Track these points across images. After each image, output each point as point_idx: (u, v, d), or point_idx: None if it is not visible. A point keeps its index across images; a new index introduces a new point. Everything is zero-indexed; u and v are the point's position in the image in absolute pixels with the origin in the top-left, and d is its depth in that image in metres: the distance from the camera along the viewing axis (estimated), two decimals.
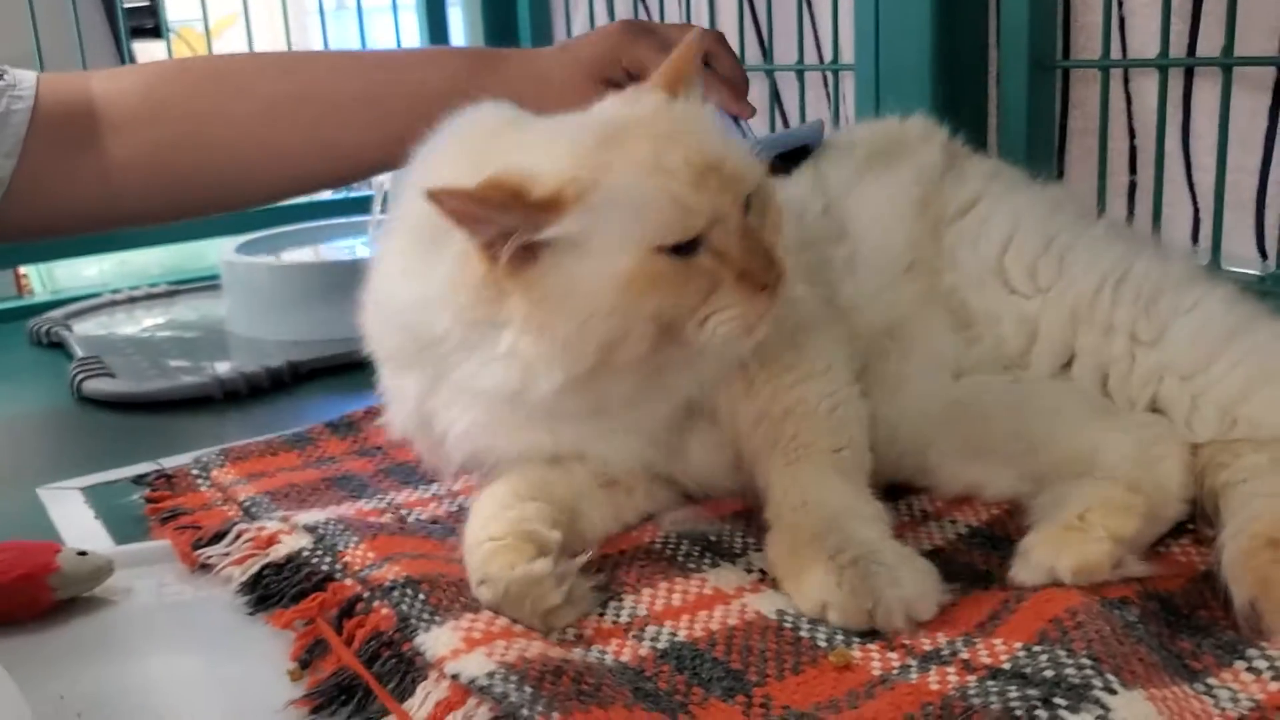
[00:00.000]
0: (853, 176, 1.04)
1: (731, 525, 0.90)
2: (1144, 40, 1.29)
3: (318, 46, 2.41)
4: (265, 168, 1.21)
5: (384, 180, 1.98)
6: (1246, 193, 1.25)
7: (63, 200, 1.17)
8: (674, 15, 1.90)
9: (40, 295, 2.18)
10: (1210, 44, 1.23)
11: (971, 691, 0.64)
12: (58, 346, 1.74)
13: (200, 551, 0.93)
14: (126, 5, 2.23)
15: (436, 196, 0.73)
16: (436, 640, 0.71)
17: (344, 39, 2.73)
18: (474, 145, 0.85)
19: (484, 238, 0.76)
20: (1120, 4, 1.30)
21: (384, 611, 0.76)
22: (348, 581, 0.82)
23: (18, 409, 1.50)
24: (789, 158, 1.07)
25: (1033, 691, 0.62)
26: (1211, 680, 0.66)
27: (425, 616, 0.74)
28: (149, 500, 1.06)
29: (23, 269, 2.18)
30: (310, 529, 0.90)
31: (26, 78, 1.16)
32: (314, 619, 0.80)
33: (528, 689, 0.64)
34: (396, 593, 0.77)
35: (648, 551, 0.87)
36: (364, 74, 1.22)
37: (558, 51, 1.21)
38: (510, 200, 0.74)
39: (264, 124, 1.19)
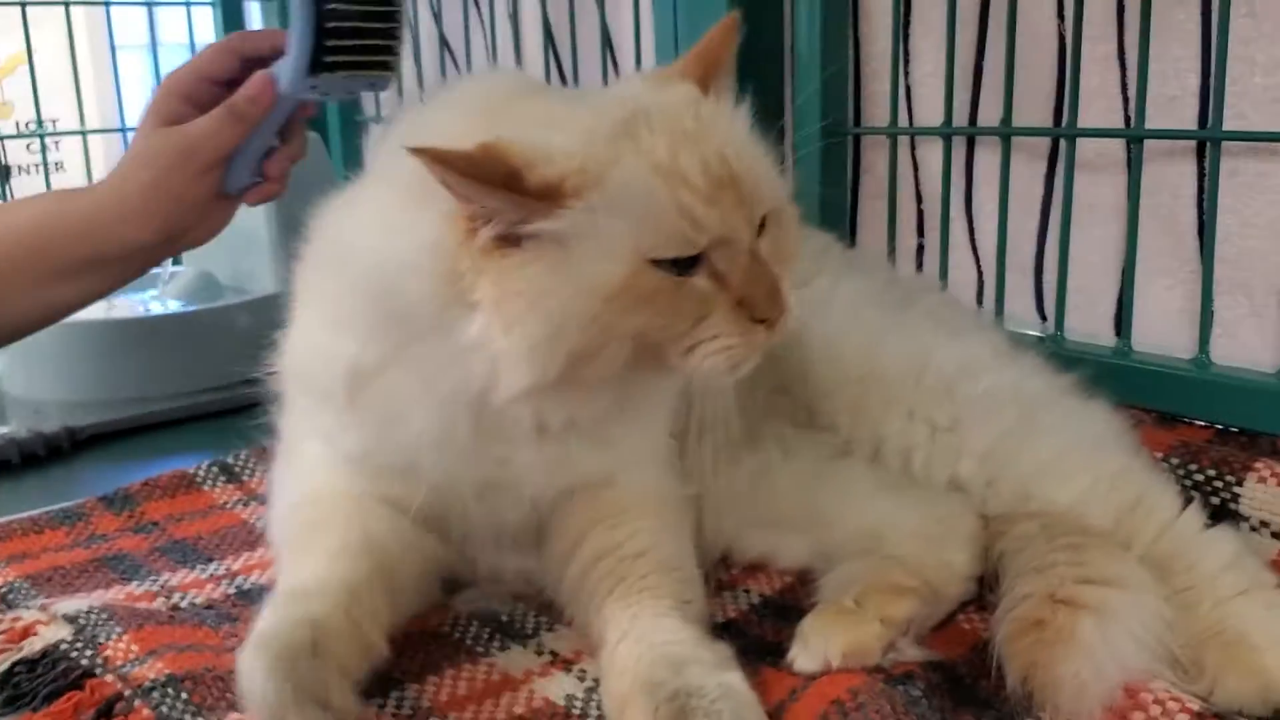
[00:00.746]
0: None
1: (525, 604, 0.88)
2: (930, 109, 1.34)
3: (109, 81, 2.31)
4: None
5: None
6: (1026, 256, 1.30)
7: None
8: (479, 51, 1.89)
9: None
10: (990, 114, 1.29)
11: None
12: None
13: None
14: None
15: (425, 155, 0.66)
16: None
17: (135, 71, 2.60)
18: (488, 105, 0.77)
19: (469, 209, 0.70)
20: (907, 75, 1.35)
21: (145, 713, 0.71)
22: (108, 678, 0.76)
23: None
24: None
25: None
26: None
27: (187, 718, 0.70)
28: None
29: None
30: (71, 619, 0.84)
31: None
32: None
33: None
34: (157, 693, 0.72)
35: (435, 635, 0.84)
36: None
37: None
38: (506, 179, 0.67)
39: None
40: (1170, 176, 1.16)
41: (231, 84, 1.09)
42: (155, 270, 1.93)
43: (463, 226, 0.70)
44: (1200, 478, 0.96)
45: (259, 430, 0.97)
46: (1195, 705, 0.71)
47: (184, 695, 0.72)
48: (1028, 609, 0.76)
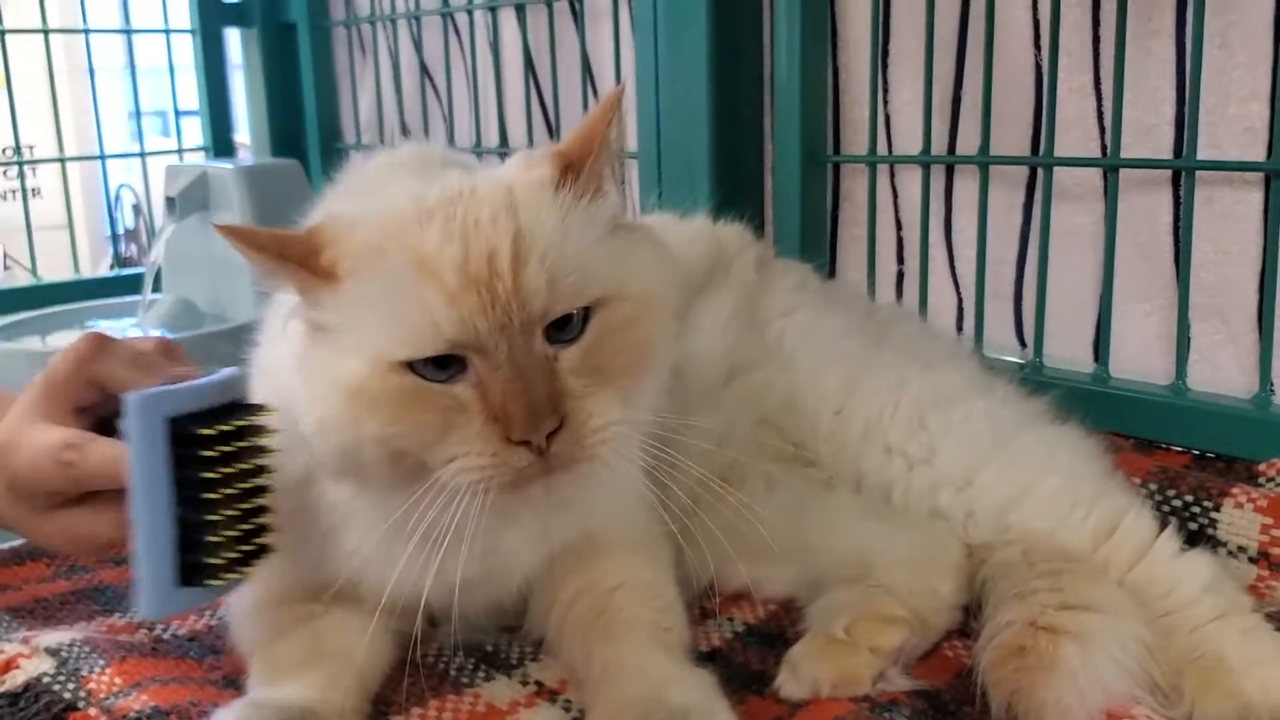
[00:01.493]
0: (690, 306, 1.02)
1: (510, 634, 0.88)
2: (909, 138, 1.35)
3: (87, 107, 2.30)
4: None
5: (156, 257, 1.90)
6: (1005, 284, 1.32)
7: None
8: (461, 98, 1.90)
9: None
10: (969, 142, 1.30)
11: None
12: None
13: None
14: None
15: (229, 234, 0.66)
16: None
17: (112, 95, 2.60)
18: (368, 183, 0.79)
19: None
20: (885, 103, 1.36)
21: None
22: (91, 711, 0.76)
23: None
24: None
25: None
26: None
27: None
28: None
29: None
30: (53, 652, 0.84)
31: None
32: None
33: None
34: None
35: (420, 666, 0.83)
36: None
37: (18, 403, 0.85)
38: (303, 256, 0.67)
39: None
40: (1146, 205, 1.17)
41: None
42: (135, 297, 1.93)
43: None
44: (1178, 503, 0.97)
45: None
46: None
47: None
48: (1010, 636, 0.76)
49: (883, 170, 1.39)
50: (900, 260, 1.41)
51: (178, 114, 2.32)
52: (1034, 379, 1.15)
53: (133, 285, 2.02)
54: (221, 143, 2.25)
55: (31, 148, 2.32)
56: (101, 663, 0.81)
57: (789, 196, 1.41)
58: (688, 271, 1.04)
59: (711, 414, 0.97)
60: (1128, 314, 1.21)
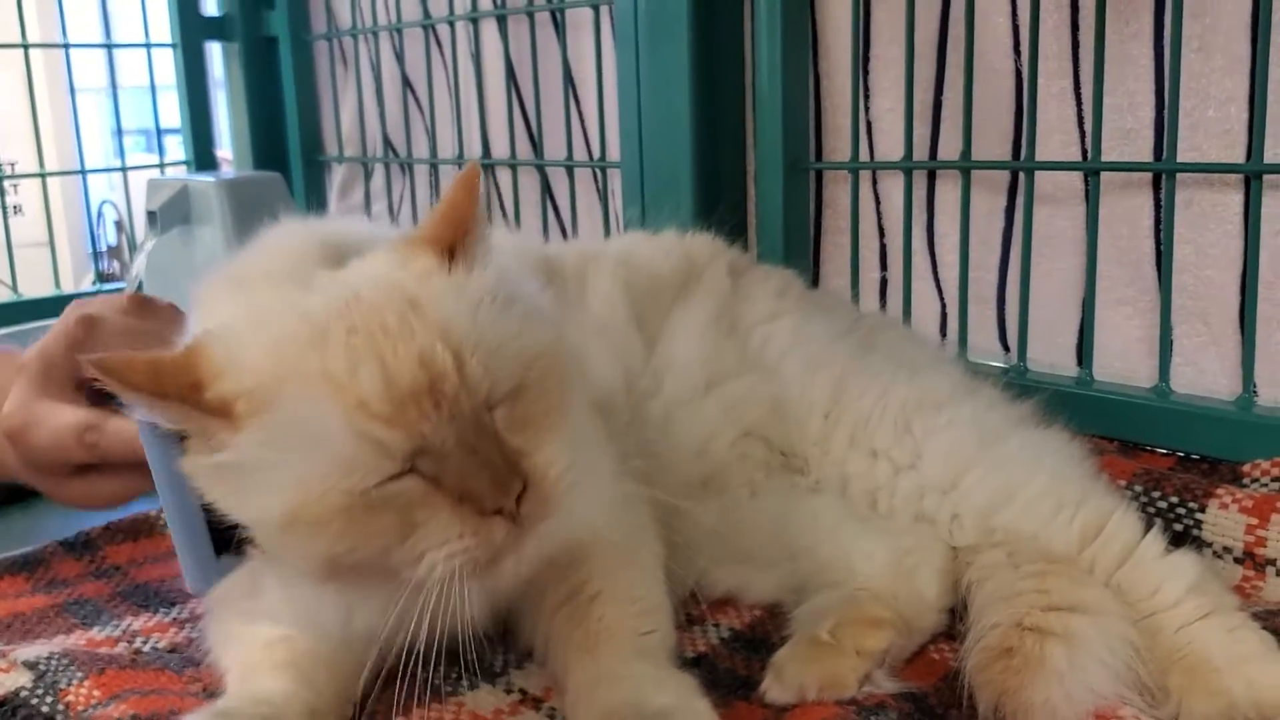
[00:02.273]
0: (664, 321, 1.03)
1: (494, 643, 0.87)
2: (890, 144, 1.36)
3: (68, 125, 2.29)
4: None
5: (138, 271, 1.89)
6: (988, 289, 1.32)
7: None
8: (443, 110, 1.89)
9: None
10: (950, 148, 1.30)
11: None
12: None
13: None
14: None
15: (97, 368, 0.62)
16: None
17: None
18: (250, 279, 0.75)
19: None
20: (867, 110, 1.36)
21: None
22: None
23: None
24: None
25: None
26: None
27: None
28: None
29: None
30: (31, 665, 0.83)
31: None
32: None
33: None
34: None
35: (401, 676, 0.82)
36: None
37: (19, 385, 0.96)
38: (186, 391, 0.63)
39: None
40: (1127, 208, 1.17)
41: None
42: None
43: None
44: (1163, 505, 0.97)
45: None
46: None
47: None
48: (996, 638, 0.76)
49: (865, 177, 1.39)
50: (883, 266, 1.41)
51: (159, 131, 2.31)
52: (1018, 383, 1.14)
53: None
54: (204, 157, 2.24)
55: (14, 164, 2.31)
56: (80, 675, 0.80)
57: (772, 204, 1.41)
58: (660, 287, 1.04)
59: (690, 423, 0.97)
60: (1110, 317, 1.21)
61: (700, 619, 0.92)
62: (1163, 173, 1.13)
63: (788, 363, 1.00)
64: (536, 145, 1.74)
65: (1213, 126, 1.10)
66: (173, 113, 2.26)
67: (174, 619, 0.96)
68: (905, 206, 1.33)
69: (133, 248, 2.74)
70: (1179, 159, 1.11)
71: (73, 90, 2.19)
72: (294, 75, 2.13)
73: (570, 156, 1.66)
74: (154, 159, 2.33)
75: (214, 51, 2.25)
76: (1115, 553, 0.84)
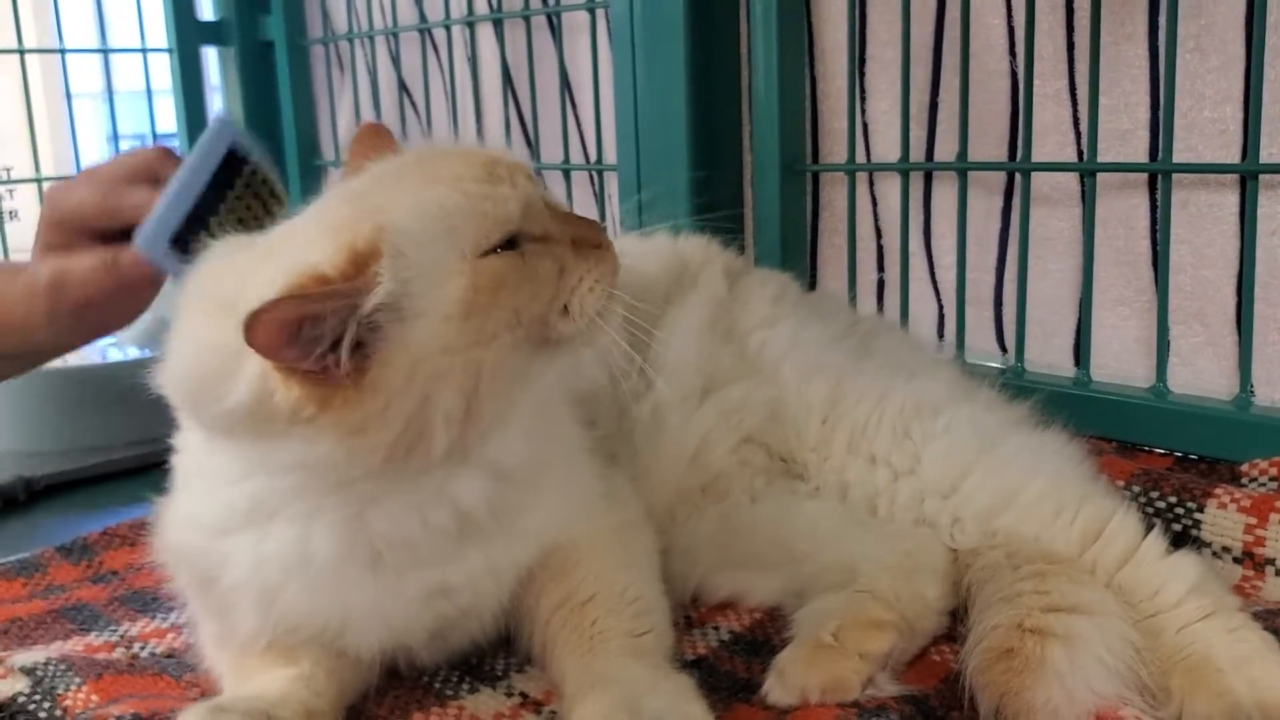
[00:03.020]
0: (654, 324, 1.01)
1: (494, 646, 0.87)
2: (887, 146, 1.36)
3: (65, 131, 2.29)
4: None
5: None
6: (985, 290, 1.32)
7: None
8: (440, 112, 1.89)
9: None
10: (947, 150, 1.31)
11: None
12: None
13: None
14: None
15: (250, 328, 0.62)
16: None
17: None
18: (217, 293, 0.73)
19: (314, 356, 0.65)
20: (863, 112, 1.37)
21: None
22: None
23: None
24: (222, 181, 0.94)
25: None
26: None
27: None
28: None
29: None
30: (28, 671, 0.83)
31: None
32: None
33: None
34: None
35: (402, 679, 0.83)
36: None
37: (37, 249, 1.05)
38: (335, 289, 0.65)
39: None
40: (1124, 209, 1.18)
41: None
42: None
43: (302, 382, 0.66)
44: (1162, 505, 0.97)
45: None
46: None
47: None
48: (997, 639, 0.76)
49: (862, 179, 1.39)
50: (881, 268, 1.41)
51: (155, 136, 2.31)
52: (1015, 384, 1.14)
53: None
54: None
55: (9, 170, 2.30)
56: (78, 681, 0.80)
57: (769, 207, 1.41)
58: (647, 289, 1.03)
59: (685, 428, 0.97)
60: (1107, 318, 1.21)
61: (700, 621, 0.91)
62: (1159, 173, 1.13)
63: (785, 368, 1.00)
64: (533, 149, 1.74)
65: (1208, 127, 1.11)
66: (169, 118, 2.26)
67: (172, 624, 0.95)
68: (902, 208, 1.33)
69: None
70: (1175, 159, 1.11)
71: (69, 95, 2.19)
72: (290, 80, 2.13)
73: (567, 160, 1.66)
74: None
75: (210, 56, 2.24)
76: (1116, 554, 0.84)
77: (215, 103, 2.29)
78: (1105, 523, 0.85)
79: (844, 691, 0.76)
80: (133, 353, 1.71)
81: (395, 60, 1.95)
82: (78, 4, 2.35)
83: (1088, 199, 1.17)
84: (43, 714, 0.77)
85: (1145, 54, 1.14)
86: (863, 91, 1.36)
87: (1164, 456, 1.12)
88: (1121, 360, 1.21)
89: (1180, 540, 0.93)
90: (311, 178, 2.16)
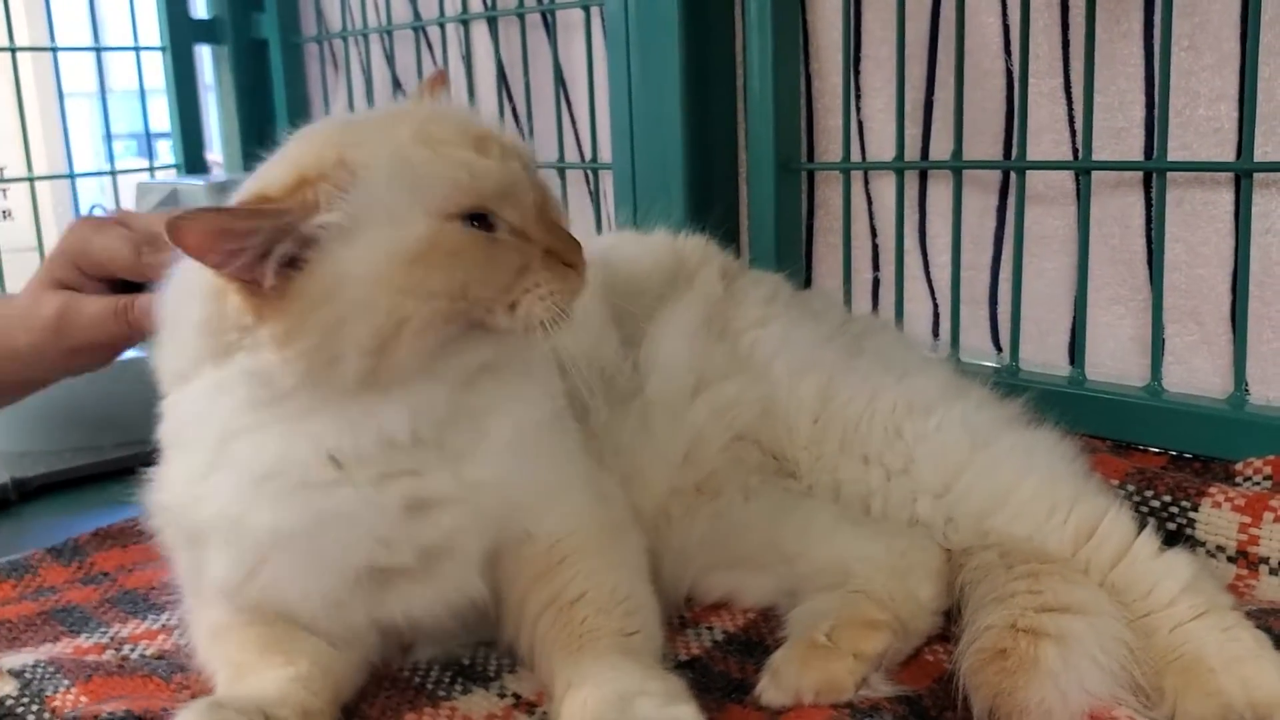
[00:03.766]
0: (647, 320, 1.02)
1: (486, 647, 0.87)
2: (882, 144, 1.35)
3: (58, 130, 2.28)
4: None
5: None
6: (980, 289, 1.32)
7: None
8: None
9: None
10: (941, 148, 1.30)
11: None
12: None
13: None
14: None
15: (176, 227, 0.66)
16: None
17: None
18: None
19: (238, 265, 0.69)
20: (858, 111, 1.36)
21: None
22: None
23: None
24: None
25: None
26: None
27: None
28: None
29: None
30: (16, 674, 0.82)
31: None
32: None
33: None
34: None
35: (395, 680, 0.82)
36: None
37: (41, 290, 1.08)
38: (261, 207, 0.69)
39: None
40: (1119, 207, 1.17)
41: None
42: None
43: (239, 290, 0.71)
44: (1156, 504, 0.96)
45: None
46: None
47: None
48: (990, 639, 0.76)
49: (857, 177, 1.39)
50: (876, 267, 1.41)
51: (149, 135, 2.30)
52: (1010, 382, 1.14)
53: None
54: (194, 160, 2.23)
55: (2, 168, 2.29)
56: (66, 683, 0.80)
57: (763, 205, 1.41)
58: (641, 287, 1.04)
59: (677, 426, 0.96)
60: (1102, 316, 1.21)
61: (693, 622, 0.91)
62: (1154, 171, 1.13)
63: (776, 367, 1.00)
64: None
65: (1203, 125, 1.10)
66: (163, 116, 2.25)
67: (162, 625, 0.95)
68: (897, 206, 1.33)
69: None
70: (1170, 158, 1.11)
71: (61, 94, 2.18)
72: (284, 78, 2.13)
73: (562, 158, 1.66)
74: (144, 163, 2.32)
75: (204, 55, 2.24)
76: (1109, 553, 0.84)
77: (209, 101, 2.29)
78: (1098, 522, 0.85)
79: (838, 692, 0.75)
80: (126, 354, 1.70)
81: (390, 58, 1.95)
82: (71, 2, 2.34)
83: (1083, 197, 1.17)
84: (31, 716, 0.77)
85: (1140, 52, 1.13)
86: (858, 90, 1.36)
87: (1159, 455, 1.12)
88: (1116, 359, 1.21)
89: (1174, 539, 0.93)
90: None
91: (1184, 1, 1.08)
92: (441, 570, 0.78)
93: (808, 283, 1.45)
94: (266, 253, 0.69)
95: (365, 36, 1.98)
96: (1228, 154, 1.09)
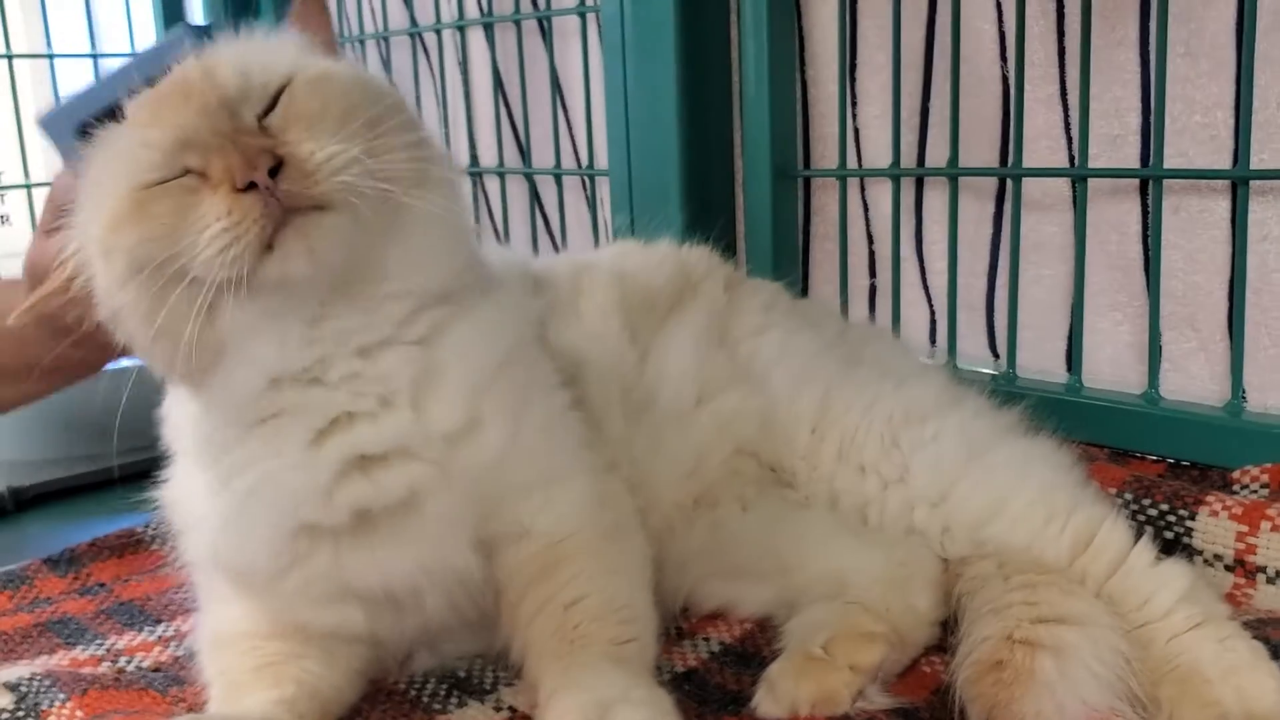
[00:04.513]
0: (657, 332, 1.02)
1: (483, 659, 0.87)
2: (878, 151, 1.35)
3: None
4: None
5: None
6: (976, 295, 1.31)
7: None
8: (431, 118, 1.89)
9: None
10: (938, 155, 1.30)
11: None
12: None
13: None
14: None
15: None
16: None
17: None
18: None
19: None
20: (854, 117, 1.36)
21: None
22: None
23: None
24: None
25: None
26: None
27: None
28: None
29: None
30: (12, 687, 0.82)
31: None
32: None
33: None
34: None
35: (391, 694, 0.82)
36: None
37: None
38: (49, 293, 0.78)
39: None
40: (1115, 214, 1.17)
41: None
42: None
43: None
44: (1154, 512, 0.96)
45: None
46: None
47: None
48: (987, 651, 0.75)
49: (853, 184, 1.39)
50: (872, 274, 1.41)
51: None
52: (1007, 390, 1.14)
53: None
54: None
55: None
56: (62, 696, 0.79)
57: (760, 212, 1.41)
58: (653, 300, 1.04)
59: (683, 440, 0.96)
60: (1099, 323, 1.21)
61: (690, 633, 0.91)
62: (1150, 179, 1.13)
63: (774, 377, 1.00)
64: (524, 153, 1.74)
65: (1199, 132, 1.10)
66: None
67: (159, 637, 0.95)
68: (893, 213, 1.33)
69: None
70: (1166, 165, 1.11)
71: (58, 101, 2.18)
72: None
73: (558, 165, 1.66)
74: None
75: None
76: (1106, 563, 0.83)
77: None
78: (1095, 531, 0.85)
79: (834, 704, 0.75)
80: (122, 362, 1.70)
81: (386, 64, 1.94)
82: (67, 9, 2.34)
83: (1079, 204, 1.17)
84: None
85: (1136, 59, 1.13)
86: (854, 96, 1.36)
87: (1156, 463, 1.12)
88: (1113, 366, 1.20)
89: (1172, 548, 0.93)
90: None
91: (1180, 8, 1.08)
92: (410, 530, 0.76)
93: (804, 290, 1.45)
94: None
95: (361, 43, 1.98)
96: (1224, 161, 1.09)
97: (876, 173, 1.35)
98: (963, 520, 0.89)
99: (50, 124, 0.93)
